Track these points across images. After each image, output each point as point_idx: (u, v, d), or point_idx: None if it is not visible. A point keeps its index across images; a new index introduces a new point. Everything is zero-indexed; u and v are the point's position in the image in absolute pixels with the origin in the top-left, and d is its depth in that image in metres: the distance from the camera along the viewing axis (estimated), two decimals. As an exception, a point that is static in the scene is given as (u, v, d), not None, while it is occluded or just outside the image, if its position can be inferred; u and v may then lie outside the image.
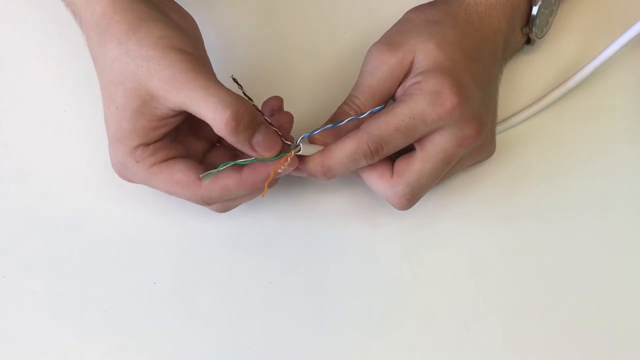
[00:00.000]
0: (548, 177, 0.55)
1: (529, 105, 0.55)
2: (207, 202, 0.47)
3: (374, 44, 0.50)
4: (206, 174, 0.46)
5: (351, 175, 0.50)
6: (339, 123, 0.47)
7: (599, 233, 0.54)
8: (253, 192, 0.47)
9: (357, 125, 0.48)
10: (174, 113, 0.46)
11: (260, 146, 0.45)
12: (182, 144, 0.49)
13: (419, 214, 0.53)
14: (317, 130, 0.47)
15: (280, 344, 0.51)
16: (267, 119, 0.47)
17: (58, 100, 0.56)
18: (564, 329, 0.51)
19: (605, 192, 0.54)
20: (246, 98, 0.46)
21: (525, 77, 0.57)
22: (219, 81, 0.45)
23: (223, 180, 0.46)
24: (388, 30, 0.51)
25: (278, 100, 0.49)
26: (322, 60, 0.56)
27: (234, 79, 0.46)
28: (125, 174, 0.48)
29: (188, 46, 0.46)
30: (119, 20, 0.46)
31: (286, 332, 0.51)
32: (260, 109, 0.47)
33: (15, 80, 0.56)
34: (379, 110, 0.47)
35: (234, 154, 0.49)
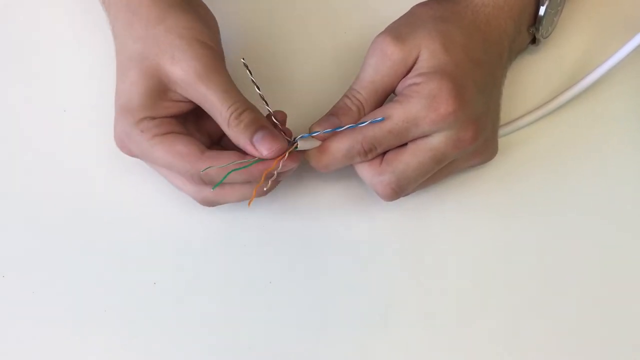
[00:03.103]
0: (550, 180, 0.54)
1: (534, 110, 0.55)
2: (205, 179, 0.47)
3: (380, 35, 0.49)
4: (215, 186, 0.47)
5: (350, 175, 0.51)
6: (338, 129, 0.48)
7: (601, 236, 0.53)
8: (249, 179, 0.47)
9: (353, 121, 0.48)
10: (184, 99, 0.48)
11: (260, 144, 0.46)
12: (185, 129, 0.49)
13: (418, 214, 0.53)
14: (315, 132, 0.48)
15: (280, 344, 0.51)
16: (275, 120, 0.48)
17: (58, 100, 0.56)
18: (564, 328, 0.51)
19: (609, 196, 0.54)
20: (254, 85, 0.47)
21: (531, 78, 0.56)
22: (231, 80, 0.47)
23: (225, 159, 0.46)
24: (394, 22, 0.51)
25: (283, 115, 0.50)
26: (322, 60, 0.56)
27: (244, 64, 0.47)
28: (126, 144, 0.48)
29: (211, 40, 0.48)
30: (149, 4, 0.48)
31: (286, 332, 0.51)
32: (264, 97, 0.48)
33: (16, 79, 0.56)
34: (379, 122, 0.47)
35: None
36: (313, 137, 0.48)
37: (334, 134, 0.48)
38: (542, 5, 0.52)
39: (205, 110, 0.47)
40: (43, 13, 0.58)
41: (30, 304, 0.51)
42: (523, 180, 0.54)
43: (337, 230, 0.53)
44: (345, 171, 0.51)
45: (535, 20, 0.53)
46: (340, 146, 0.48)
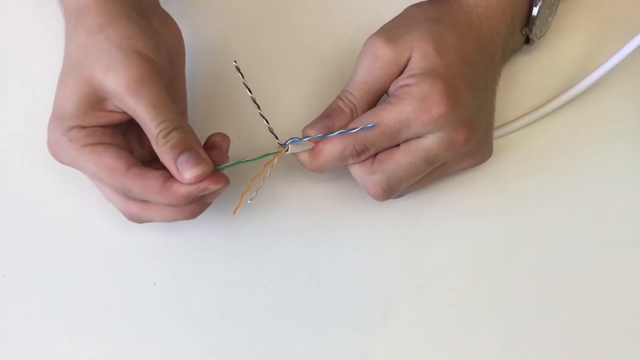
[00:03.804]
0: (546, 182, 0.55)
1: (531, 111, 0.55)
2: (127, 194, 0.46)
3: (372, 36, 0.49)
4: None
5: (350, 176, 0.50)
6: (329, 134, 0.48)
7: (599, 238, 0.53)
8: (171, 203, 0.46)
9: (346, 123, 0.49)
10: (119, 110, 0.47)
11: (183, 167, 0.45)
12: (127, 143, 0.48)
13: (417, 215, 0.53)
14: (306, 137, 0.48)
15: (280, 344, 0.51)
16: (268, 124, 0.47)
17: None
18: (563, 328, 0.51)
19: (606, 198, 0.54)
20: (246, 88, 0.47)
21: (527, 79, 0.57)
22: (166, 96, 0.46)
23: (149, 180, 0.45)
24: (387, 23, 0.51)
25: (223, 139, 0.49)
26: (322, 60, 0.57)
27: (236, 67, 0.47)
28: (57, 152, 0.47)
29: (152, 52, 0.46)
30: (96, 12, 0.47)
31: (286, 332, 0.51)
32: (257, 102, 0.47)
33: (16, 79, 0.57)
34: (370, 128, 0.47)
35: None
36: (305, 140, 0.48)
37: (327, 129, 0.48)
38: (535, 6, 0.52)
39: (139, 123, 0.46)
40: (43, 14, 0.58)
41: (30, 304, 0.51)
42: (519, 182, 0.55)
43: (336, 231, 0.53)
44: (345, 172, 0.51)
45: (529, 20, 0.53)
46: (332, 148, 0.48)
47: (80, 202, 0.53)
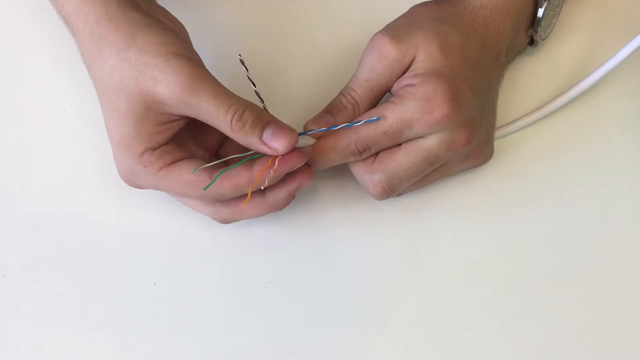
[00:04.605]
0: (547, 181, 0.55)
1: (532, 112, 0.55)
2: (219, 199, 0.47)
3: (377, 34, 0.49)
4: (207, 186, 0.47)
5: (350, 174, 0.50)
6: (332, 128, 0.48)
7: (599, 238, 0.53)
8: (241, 192, 0.46)
9: (348, 119, 0.49)
10: (177, 117, 0.46)
11: (273, 140, 0.45)
12: (185, 150, 0.48)
13: (418, 213, 0.53)
14: (310, 131, 0.48)
15: (280, 344, 0.51)
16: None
17: (58, 100, 0.56)
18: (565, 328, 0.51)
19: (606, 199, 0.54)
20: (250, 82, 0.47)
21: (529, 80, 0.57)
22: (220, 84, 0.46)
23: (234, 178, 0.46)
24: (392, 22, 0.51)
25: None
26: (322, 60, 0.57)
27: (240, 60, 0.47)
28: (133, 180, 0.48)
29: (187, 51, 0.46)
30: (114, 28, 0.46)
31: (286, 332, 0.51)
32: (262, 97, 0.48)
33: (15, 79, 0.56)
34: (374, 121, 0.47)
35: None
36: (308, 135, 0.48)
37: (328, 132, 0.48)
38: (541, 7, 0.52)
39: (204, 121, 0.46)
40: (42, 15, 0.58)
41: (30, 304, 0.51)
42: (520, 182, 0.55)
43: (336, 230, 0.53)
44: (345, 171, 0.51)
45: (534, 21, 0.53)
46: (334, 145, 0.48)
47: (80, 201, 0.53)
